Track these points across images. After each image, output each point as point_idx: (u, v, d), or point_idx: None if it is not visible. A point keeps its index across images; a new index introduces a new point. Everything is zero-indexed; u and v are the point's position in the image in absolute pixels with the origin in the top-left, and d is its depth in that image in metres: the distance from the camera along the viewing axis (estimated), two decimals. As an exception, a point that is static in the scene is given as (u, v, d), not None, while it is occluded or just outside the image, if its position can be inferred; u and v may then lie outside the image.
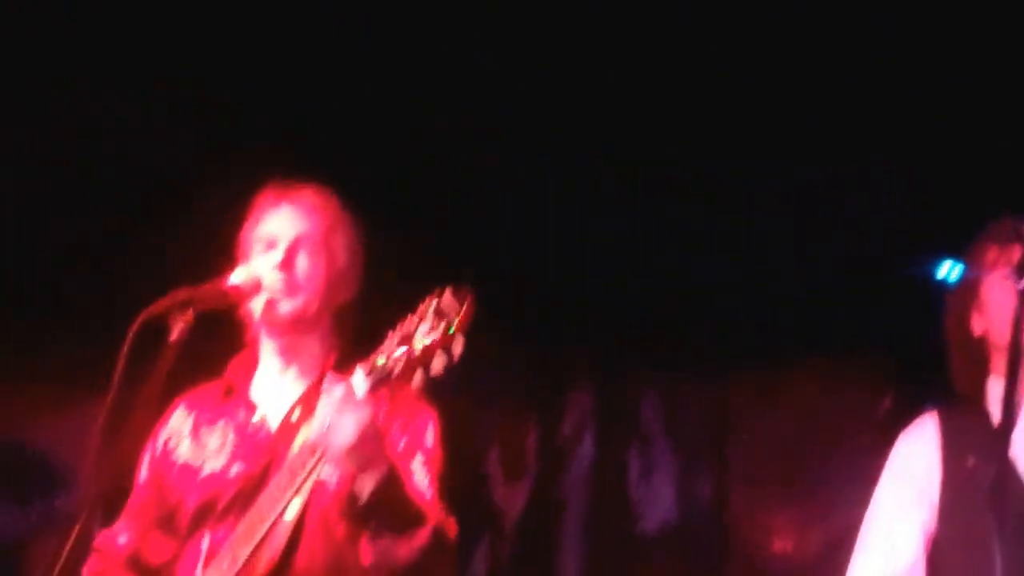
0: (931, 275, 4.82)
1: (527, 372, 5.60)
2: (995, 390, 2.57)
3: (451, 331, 2.29)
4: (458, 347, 2.31)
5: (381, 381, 2.35)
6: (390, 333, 2.36)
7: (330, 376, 2.46)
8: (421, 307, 2.33)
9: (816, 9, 3.96)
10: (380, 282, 2.77)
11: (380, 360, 2.35)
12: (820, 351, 5.11)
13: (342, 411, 2.34)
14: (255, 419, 2.69)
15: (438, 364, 2.30)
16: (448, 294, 2.32)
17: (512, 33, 4.17)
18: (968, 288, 2.62)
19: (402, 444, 2.62)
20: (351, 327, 2.74)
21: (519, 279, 4.76)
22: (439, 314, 2.30)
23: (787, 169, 4.40)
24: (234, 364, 2.80)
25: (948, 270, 4.78)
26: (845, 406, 5.49)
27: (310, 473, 2.41)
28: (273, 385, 2.74)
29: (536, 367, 5.59)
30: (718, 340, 5.18)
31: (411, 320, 2.33)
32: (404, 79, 4.21)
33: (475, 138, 4.38)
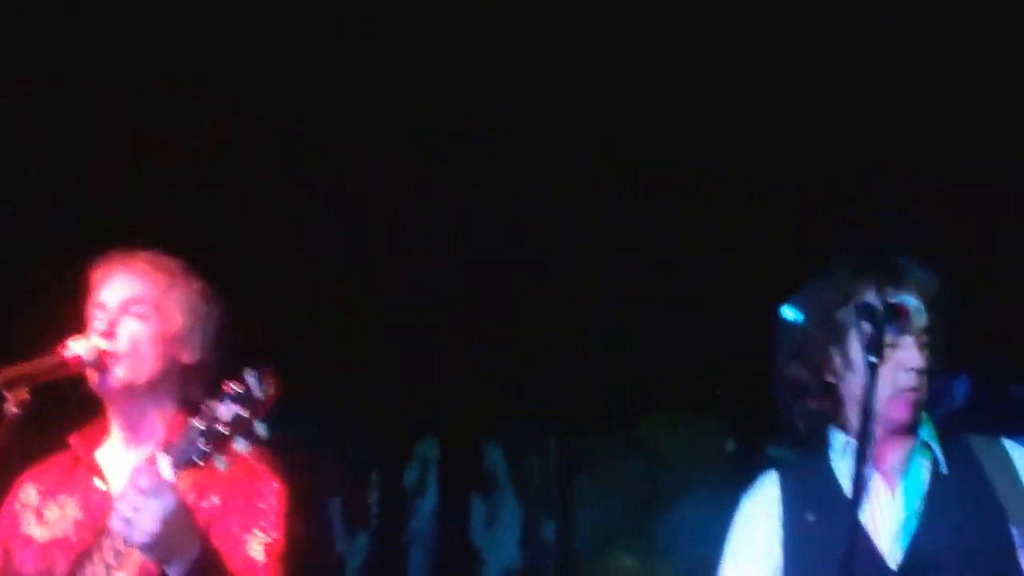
0: (773, 318, 4.85)
1: (371, 423, 5.59)
2: (837, 440, 2.56)
3: (253, 415, 2.27)
4: (260, 431, 2.29)
5: (185, 466, 2.31)
6: (194, 418, 2.32)
7: (137, 465, 2.39)
8: (224, 389, 2.30)
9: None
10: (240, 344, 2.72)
11: (183, 447, 2.31)
12: (664, 397, 5.14)
13: (143, 501, 2.28)
14: (97, 490, 2.64)
15: (241, 447, 2.28)
16: (252, 377, 2.29)
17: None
18: (824, 330, 2.54)
19: (238, 521, 2.58)
20: (199, 390, 2.65)
21: (363, 331, 4.76)
22: (241, 398, 2.27)
23: (619, 223, 4.40)
24: (81, 434, 2.75)
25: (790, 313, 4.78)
26: (691, 450, 5.54)
27: (124, 557, 2.36)
28: (118, 453, 2.70)
29: (379, 418, 5.58)
30: (560, 389, 5.21)
31: (214, 404, 2.29)
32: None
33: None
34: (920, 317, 2.46)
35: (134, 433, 2.68)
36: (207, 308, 2.74)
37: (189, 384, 2.69)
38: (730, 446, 5.61)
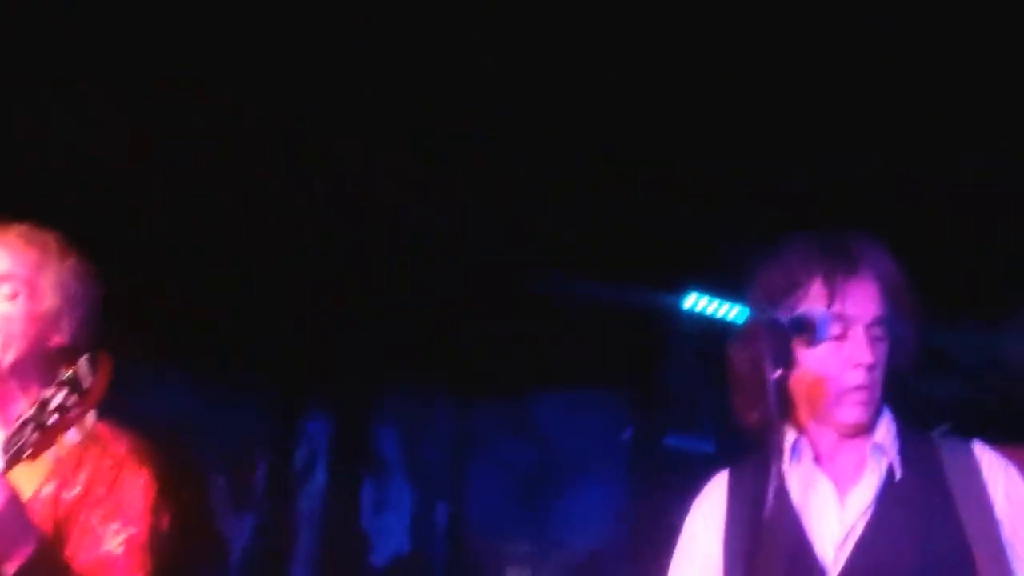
0: (668, 308, 4.89)
1: (259, 401, 5.53)
2: (788, 439, 2.34)
3: (82, 404, 2.21)
4: (90, 420, 2.24)
5: (15, 459, 2.25)
6: (29, 406, 2.26)
7: None
8: (59, 378, 2.24)
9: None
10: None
11: (10, 438, 2.26)
12: (560, 381, 5.10)
13: None
14: None
15: (72, 436, 2.23)
16: (83, 363, 2.22)
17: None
18: (776, 328, 2.26)
19: (98, 512, 2.50)
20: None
21: (254, 309, 4.74)
22: (71, 385, 2.21)
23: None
24: None
25: (695, 303, 4.81)
26: (585, 435, 5.49)
27: None
28: None
29: (268, 396, 5.53)
30: (455, 369, 5.15)
31: (47, 392, 2.24)
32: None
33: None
34: (865, 309, 2.25)
35: (2, 418, 2.56)
36: (80, 288, 2.62)
37: (59, 367, 2.47)
38: (627, 433, 5.55)
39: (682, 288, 5.01)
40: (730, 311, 5.11)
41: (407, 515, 5.89)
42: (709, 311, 5.08)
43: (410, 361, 5.26)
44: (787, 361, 2.16)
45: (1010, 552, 2.18)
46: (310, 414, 5.76)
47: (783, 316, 2.21)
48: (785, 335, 2.18)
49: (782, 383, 2.17)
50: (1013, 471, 2.28)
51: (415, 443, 5.90)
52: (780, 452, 2.18)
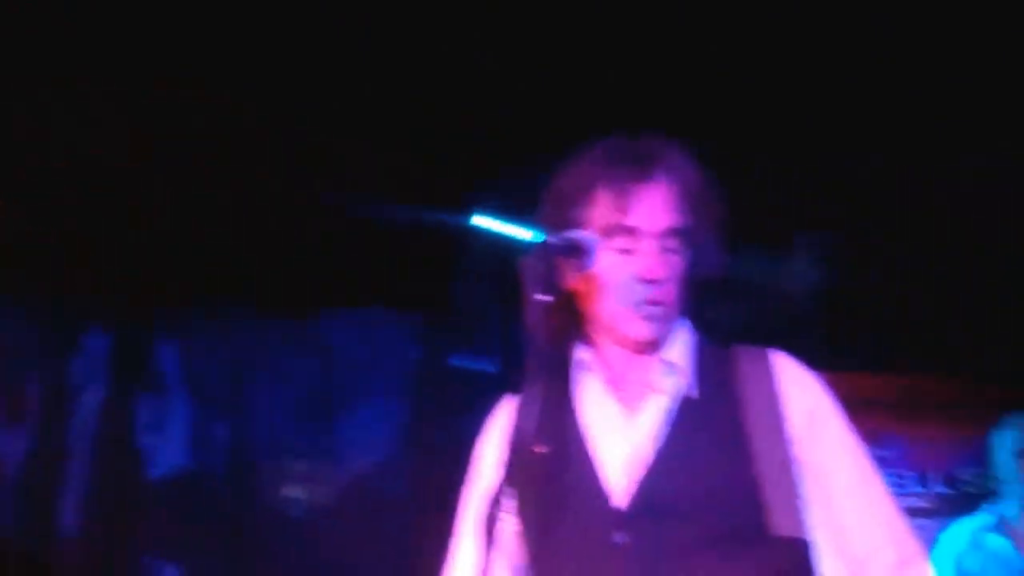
0: (458, 228, 4.78)
1: (34, 313, 5.37)
2: (576, 358, 2.16)
3: None
4: None
5: None
6: None
7: None
8: None
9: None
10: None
11: None
12: (347, 300, 5.03)
13: None
14: None
15: None
16: None
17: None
18: (559, 229, 2.08)
19: None
20: None
21: (34, 217, 4.64)
22: None
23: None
24: None
25: (485, 223, 4.66)
26: (371, 354, 5.42)
27: None
28: None
29: (44, 308, 5.37)
30: (239, 285, 5.04)
31: None
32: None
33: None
34: (656, 219, 2.05)
35: None
36: None
37: None
38: (413, 353, 5.48)
39: (472, 208, 4.92)
40: (520, 231, 4.95)
41: (186, 432, 5.75)
42: (499, 231, 4.96)
43: (192, 275, 5.11)
44: (554, 287, 1.94)
45: (800, 470, 2.02)
46: (88, 327, 5.61)
47: (554, 239, 2.00)
48: (553, 259, 1.97)
49: (564, 304, 2.04)
50: (811, 383, 2.10)
51: (195, 359, 5.76)
52: (554, 376, 2.00)
